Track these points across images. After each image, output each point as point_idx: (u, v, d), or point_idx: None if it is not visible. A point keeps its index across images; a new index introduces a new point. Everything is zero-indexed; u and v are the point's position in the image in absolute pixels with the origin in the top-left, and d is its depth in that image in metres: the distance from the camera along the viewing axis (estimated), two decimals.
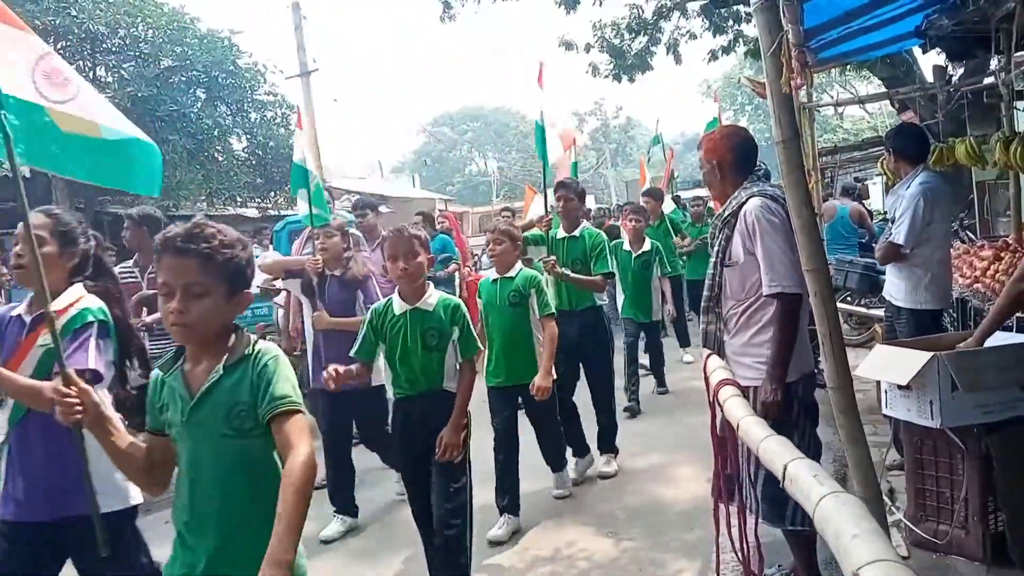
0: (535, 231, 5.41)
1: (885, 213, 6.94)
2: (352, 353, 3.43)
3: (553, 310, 4.51)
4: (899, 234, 4.20)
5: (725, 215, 3.09)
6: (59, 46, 12.82)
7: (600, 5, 11.17)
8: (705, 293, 3.17)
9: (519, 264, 4.56)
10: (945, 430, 3.22)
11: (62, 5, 12.04)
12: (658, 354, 7.51)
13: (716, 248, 3.11)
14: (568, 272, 4.97)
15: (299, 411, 1.86)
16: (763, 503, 2.93)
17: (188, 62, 13.84)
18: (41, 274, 2.29)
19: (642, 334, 7.14)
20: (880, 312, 5.55)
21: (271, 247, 11.02)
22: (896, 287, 4.41)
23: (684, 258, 9.67)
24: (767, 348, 2.93)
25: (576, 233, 5.20)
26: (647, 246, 6.99)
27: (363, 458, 5.06)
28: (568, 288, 5.10)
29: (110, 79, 13.62)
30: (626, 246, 6.96)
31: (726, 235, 3.06)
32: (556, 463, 4.90)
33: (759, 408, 2.82)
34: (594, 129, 49.87)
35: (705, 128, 12.25)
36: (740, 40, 11.39)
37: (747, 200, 2.99)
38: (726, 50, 11.69)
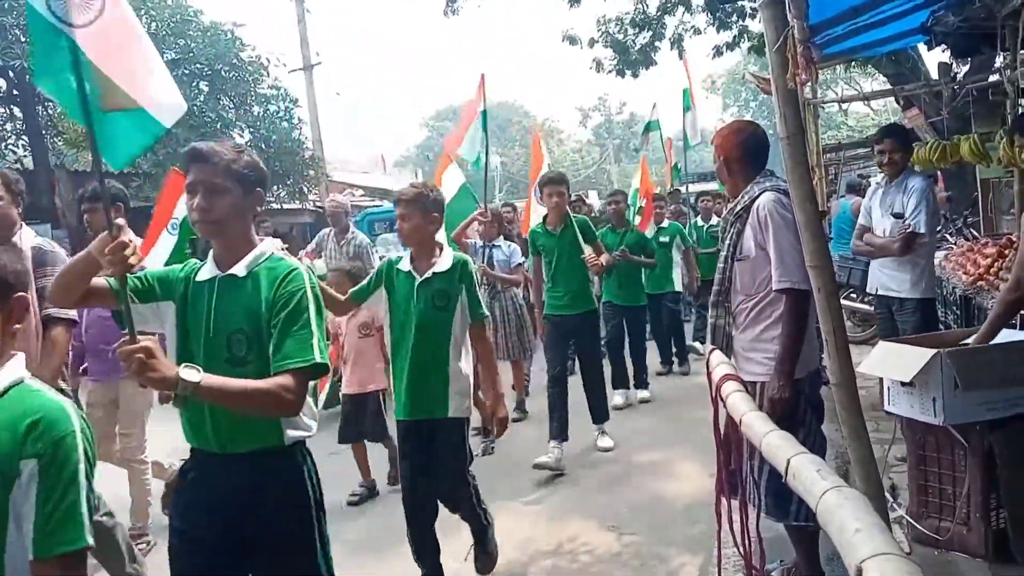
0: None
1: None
2: None
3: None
4: (920, 223, 4.36)
5: (737, 209, 3.10)
6: None
7: (604, 0, 11.15)
8: (715, 287, 3.18)
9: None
10: (948, 427, 3.22)
11: None
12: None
13: (727, 242, 3.12)
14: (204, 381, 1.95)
15: None
16: (767, 498, 2.94)
17: (191, 55, 13.85)
18: None
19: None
20: None
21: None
22: (896, 279, 4.54)
23: (603, 276, 6.77)
24: (776, 344, 2.94)
25: (238, 271, 2.23)
26: (442, 265, 3.51)
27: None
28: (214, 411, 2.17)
29: None
30: (406, 264, 3.55)
31: (737, 229, 3.07)
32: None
33: (767, 404, 2.83)
34: (597, 125, 49.80)
35: (683, 101, 11.73)
36: (745, 36, 11.35)
37: (760, 195, 3.00)
38: (730, 46, 11.64)
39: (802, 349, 2.92)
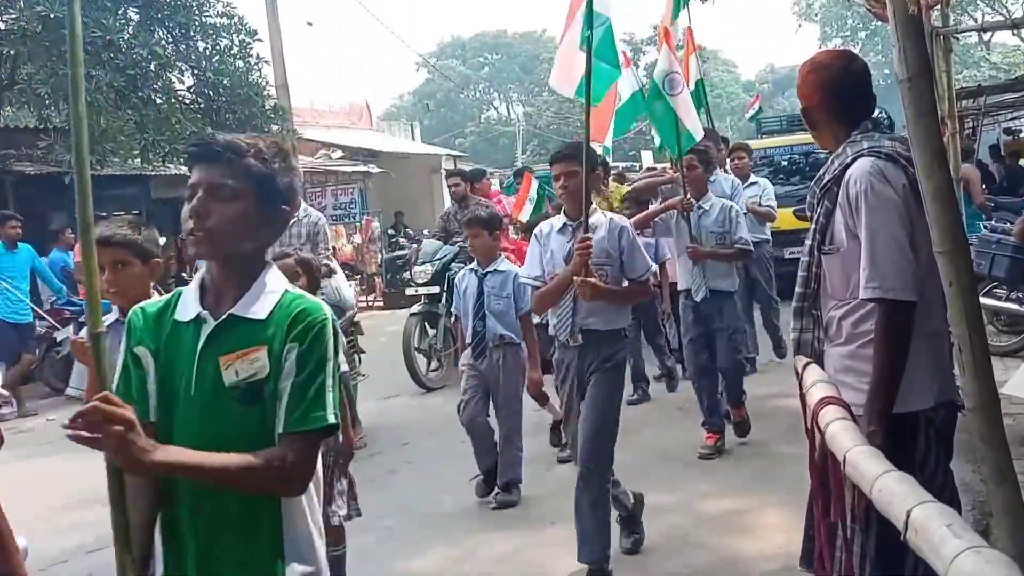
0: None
1: None
2: None
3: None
4: None
5: (825, 181, 2.94)
6: None
7: None
8: (798, 289, 3.06)
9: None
10: None
11: None
12: None
13: (813, 227, 2.98)
14: None
15: None
16: (875, 568, 2.87)
17: None
18: None
19: None
20: None
21: None
22: None
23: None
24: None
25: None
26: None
27: None
28: None
29: None
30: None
31: (826, 209, 2.92)
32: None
33: None
34: (652, 63, 49.62)
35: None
36: None
37: (853, 160, 2.84)
38: None
39: (931, 369, 2.83)
